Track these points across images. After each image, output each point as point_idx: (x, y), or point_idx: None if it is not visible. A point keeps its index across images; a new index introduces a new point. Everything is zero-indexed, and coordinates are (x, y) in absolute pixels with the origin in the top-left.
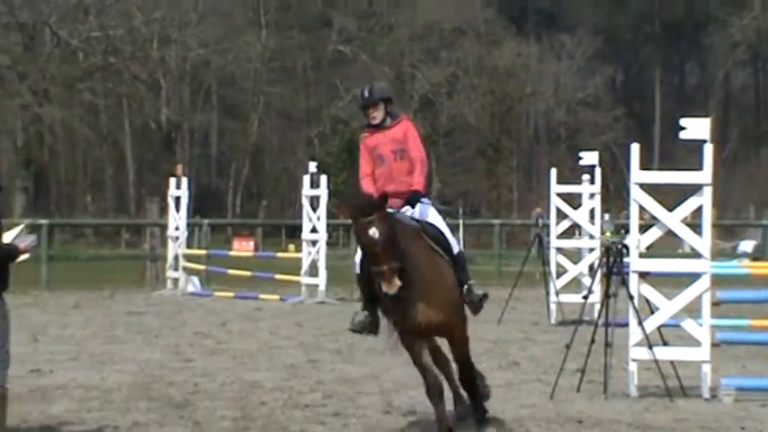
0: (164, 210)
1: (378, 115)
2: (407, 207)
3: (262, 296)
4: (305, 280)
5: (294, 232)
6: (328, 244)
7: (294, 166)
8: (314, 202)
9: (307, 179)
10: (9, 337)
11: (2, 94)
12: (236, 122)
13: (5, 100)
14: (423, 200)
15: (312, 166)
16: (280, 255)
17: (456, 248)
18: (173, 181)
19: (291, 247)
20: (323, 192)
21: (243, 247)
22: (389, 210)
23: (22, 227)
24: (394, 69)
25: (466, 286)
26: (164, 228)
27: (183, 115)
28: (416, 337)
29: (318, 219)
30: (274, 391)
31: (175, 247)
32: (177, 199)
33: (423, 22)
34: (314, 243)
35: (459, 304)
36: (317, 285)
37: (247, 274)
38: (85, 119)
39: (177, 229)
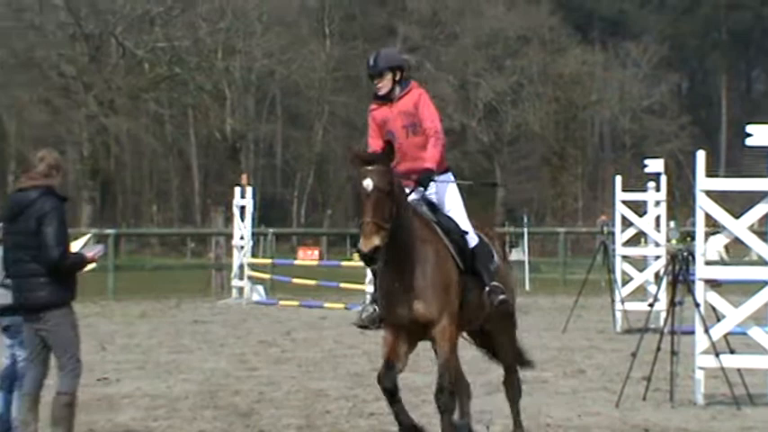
0: (229, 219)
1: (384, 85)
2: (420, 189)
3: (326, 305)
4: (369, 288)
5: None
6: None
7: None
8: None
9: None
10: (79, 345)
11: (68, 104)
12: (301, 132)
13: (72, 110)
14: (438, 177)
15: None
16: (344, 263)
17: (472, 242)
18: (238, 190)
19: (356, 255)
20: None
21: (307, 256)
22: (398, 179)
23: (89, 236)
24: (458, 78)
25: (487, 288)
26: (229, 237)
27: (247, 125)
28: (398, 330)
29: None
30: (339, 399)
31: (240, 257)
32: (242, 208)
33: (487, 30)
34: None
35: (451, 306)
36: None
37: (312, 282)
38: (151, 129)
39: (242, 238)
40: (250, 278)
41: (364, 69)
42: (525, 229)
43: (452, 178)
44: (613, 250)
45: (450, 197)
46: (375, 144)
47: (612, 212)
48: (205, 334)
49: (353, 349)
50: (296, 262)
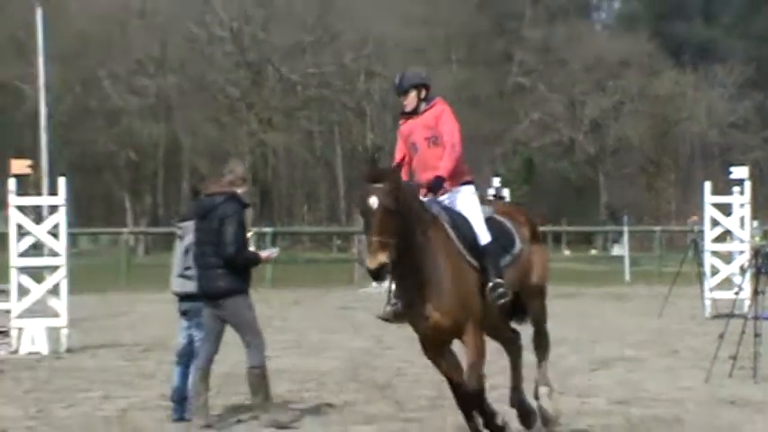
0: None
1: (409, 102)
2: (431, 194)
3: None
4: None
5: None
6: None
7: (480, 181)
8: None
9: (490, 193)
10: (257, 324)
11: (233, 122)
12: None
13: (236, 127)
14: (458, 187)
15: (496, 181)
16: None
17: (484, 240)
18: None
19: None
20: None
21: None
22: (410, 190)
23: (251, 233)
24: (567, 97)
25: (490, 284)
26: None
27: (385, 138)
28: (427, 337)
29: None
30: None
31: None
32: None
33: (592, 56)
34: None
35: (473, 307)
36: None
37: None
38: (303, 143)
39: None
40: None
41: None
42: (626, 228)
43: (473, 190)
44: (703, 246)
45: (463, 203)
46: (398, 156)
47: (702, 213)
48: (349, 318)
49: None
50: None
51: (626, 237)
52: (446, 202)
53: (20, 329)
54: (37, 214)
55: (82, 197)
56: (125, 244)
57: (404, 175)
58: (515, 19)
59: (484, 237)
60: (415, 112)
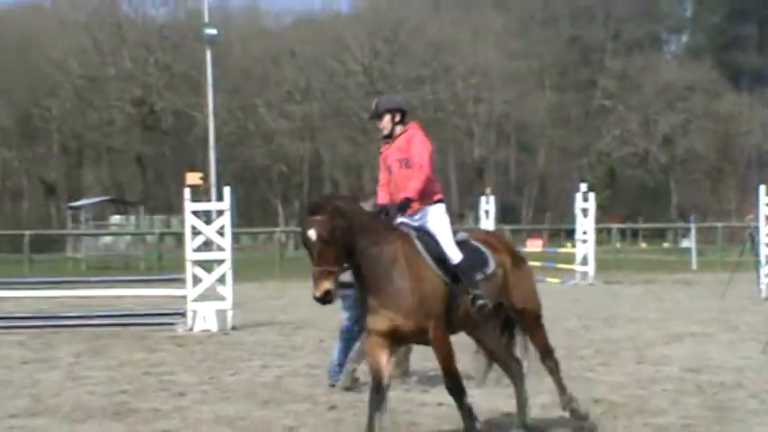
0: (478, 219)
1: (384, 126)
2: (399, 215)
3: (548, 279)
4: (578, 268)
5: (571, 234)
6: (596, 242)
7: (570, 187)
8: (585, 213)
9: (579, 196)
10: None
11: (365, 140)
12: (527, 155)
13: (367, 145)
14: (429, 207)
15: (583, 187)
16: (560, 250)
17: (455, 258)
18: (483, 199)
19: (569, 244)
20: (591, 205)
21: (533, 245)
22: (344, 212)
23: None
24: (642, 116)
25: (470, 296)
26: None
27: (489, 152)
28: (379, 341)
29: (588, 223)
30: (558, 349)
31: None
32: (486, 212)
33: (663, 81)
34: (584, 242)
35: (435, 312)
36: (587, 272)
37: (537, 264)
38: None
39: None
40: None
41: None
42: (693, 225)
43: (443, 209)
44: (758, 239)
45: (434, 223)
46: (381, 179)
47: (757, 212)
48: None
49: (567, 312)
50: (525, 249)
51: (693, 232)
52: (417, 222)
53: (194, 311)
54: (207, 217)
55: (243, 203)
56: (278, 241)
57: (383, 196)
58: (599, 51)
59: (454, 255)
60: (390, 136)
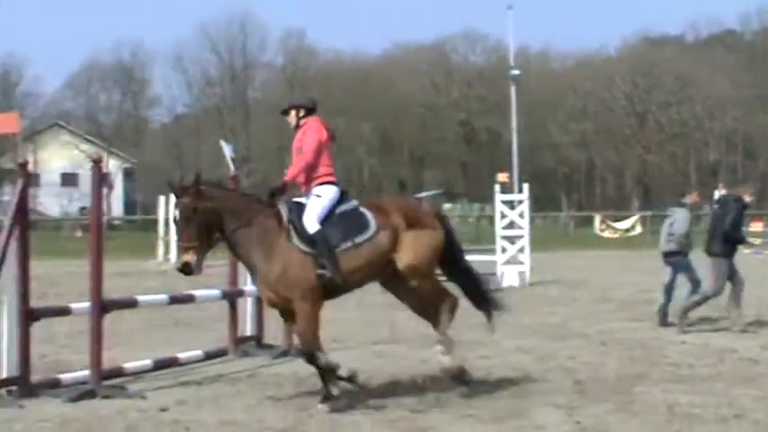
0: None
1: (291, 119)
2: (275, 197)
3: (765, 252)
4: None
5: None
6: None
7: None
8: None
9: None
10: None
11: (627, 150)
12: (751, 161)
13: (628, 152)
14: (317, 187)
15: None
16: None
17: (310, 230)
18: (716, 192)
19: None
20: None
21: (755, 226)
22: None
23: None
24: (680, 127)
25: (318, 272)
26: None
27: (721, 157)
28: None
29: None
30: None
31: None
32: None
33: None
34: None
35: (298, 283)
36: None
37: (758, 241)
38: (669, 161)
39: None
40: None
41: None
42: None
43: (328, 189)
44: None
45: (311, 200)
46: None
47: None
48: None
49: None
50: (749, 228)
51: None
52: (305, 200)
53: (502, 273)
54: (511, 205)
55: (536, 195)
56: (563, 223)
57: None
58: None
59: (311, 227)
60: (296, 128)
